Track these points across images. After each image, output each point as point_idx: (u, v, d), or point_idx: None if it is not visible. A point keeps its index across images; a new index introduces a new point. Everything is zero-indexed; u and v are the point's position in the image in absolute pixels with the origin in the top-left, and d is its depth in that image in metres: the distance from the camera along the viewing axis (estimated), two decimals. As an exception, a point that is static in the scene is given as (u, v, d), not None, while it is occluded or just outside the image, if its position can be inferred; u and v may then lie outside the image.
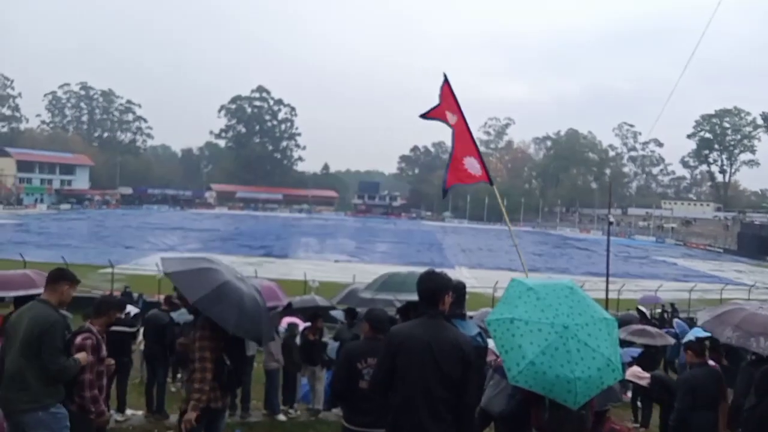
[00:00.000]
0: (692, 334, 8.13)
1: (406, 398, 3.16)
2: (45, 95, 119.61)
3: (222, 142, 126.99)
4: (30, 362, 3.82)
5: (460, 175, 6.36)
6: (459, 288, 3.96)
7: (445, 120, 6.26)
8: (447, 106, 6.24)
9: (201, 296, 4.00)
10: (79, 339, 4.19)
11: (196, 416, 3.99)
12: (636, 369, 7.33)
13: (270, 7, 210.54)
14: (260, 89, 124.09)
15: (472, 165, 6.24)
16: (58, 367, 3.89)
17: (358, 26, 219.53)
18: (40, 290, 5.69)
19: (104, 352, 4.33)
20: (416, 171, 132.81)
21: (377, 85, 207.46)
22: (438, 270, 3.55)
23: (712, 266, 53.50)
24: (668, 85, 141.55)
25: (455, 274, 31.39)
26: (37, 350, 3.83)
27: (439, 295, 3.31)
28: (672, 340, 10.11)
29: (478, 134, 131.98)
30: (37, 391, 3.83)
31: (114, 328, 7.73)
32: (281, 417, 7.84)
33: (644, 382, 7.00)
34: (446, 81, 6.22)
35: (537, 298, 3.25)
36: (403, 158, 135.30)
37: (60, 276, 4.16)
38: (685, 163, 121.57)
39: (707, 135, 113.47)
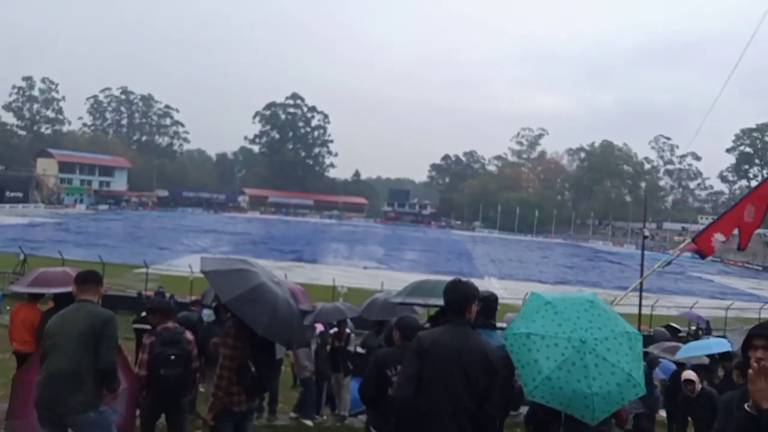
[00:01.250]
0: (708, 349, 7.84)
1: (431, 405, 3.15)
2: (87, 99, 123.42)
3: (256, 148, 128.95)
4: (90, 360, 3.78)
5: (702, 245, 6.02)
6: (489, 299, 3.95)
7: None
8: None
9: (233, 296, 4.02)
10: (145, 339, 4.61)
11: (212, 416, 4.09)
12: (691, 372, 6.97)
13: (305, 18, 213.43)
14: (294, 96, 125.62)
15: (717, 241, 5.89)
16: (115, 363, 3.92)
17: (392, 37, 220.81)
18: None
19: None
20: (447, 180, 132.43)
21: (410, 94, 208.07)
22: (465, 279, 3.56)
23: (751, 284, 51.94)
24: (706, 98, 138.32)
25: (484, 284, 31.19)
26: (96, 346, 3.79)
27: (465, 303, 3.33)
28: (706, 359, 9.82)
29: (510, 144, 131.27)
30: (91, 390, 3.80)
31: (144, 326, 7.93)
32: (308, 422, 7.88)
33: (694, 387, 6.65)
34: None
35: (555, 312, 3.21)
36: (434, 167, 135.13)
37: (97, 279, 4.19)
38: (723, 178, 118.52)
39: (747, 149, 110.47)
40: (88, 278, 4.12)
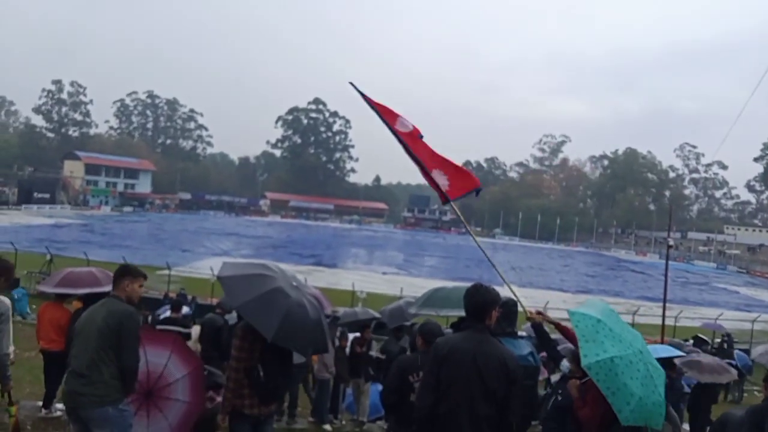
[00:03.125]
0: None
1: (449, 410, 3.16)
2: (114, 102, 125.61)
3: (278, 152, 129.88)
4: (107, 355, 3.77)
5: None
6: (509, 305, 3.91)
7: (390, 122, 4.78)
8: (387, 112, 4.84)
9: (243, 302, 4.03)
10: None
11: (223, 417, 4.20)
12: None
13: (328, 23, 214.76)
14: (316, 101, 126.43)
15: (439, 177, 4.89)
16: (136, 361, 3.90)
17: (413, 42, 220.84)
18: (105, 288, 5.92)
19: None
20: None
21: (431, 99, 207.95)
22: (487, 285, 3.51)
23: (778, 296, 50.73)
24: (733, 106, 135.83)
25: (504, 292, 30.82)
26: (115, 343, 3.78)
27: (486, 309, 3.30)
28: (729, 375, 9.36)
29: (532, 151, 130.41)
30: (109, 385, 3.76)
31: (168, 327, 8.03)
32: (327, 427, 7.90)
33: None
34: (362, 94, 4.80)
35: (610, 329, 3.17)
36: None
37: (123, 272, 4.09)
38: (750, 188, 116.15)
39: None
40: (117, 273, 4.11)
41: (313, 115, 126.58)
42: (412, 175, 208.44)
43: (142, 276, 4.15)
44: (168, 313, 10.47)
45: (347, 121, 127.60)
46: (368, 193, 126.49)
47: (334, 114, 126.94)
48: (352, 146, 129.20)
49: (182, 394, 4.74)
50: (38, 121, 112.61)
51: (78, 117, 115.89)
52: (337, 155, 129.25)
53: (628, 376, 3.00)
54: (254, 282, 4.19)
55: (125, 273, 4.07)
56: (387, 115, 4.71)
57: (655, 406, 2.94)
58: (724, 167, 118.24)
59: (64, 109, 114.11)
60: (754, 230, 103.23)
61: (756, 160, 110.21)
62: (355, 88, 4.36)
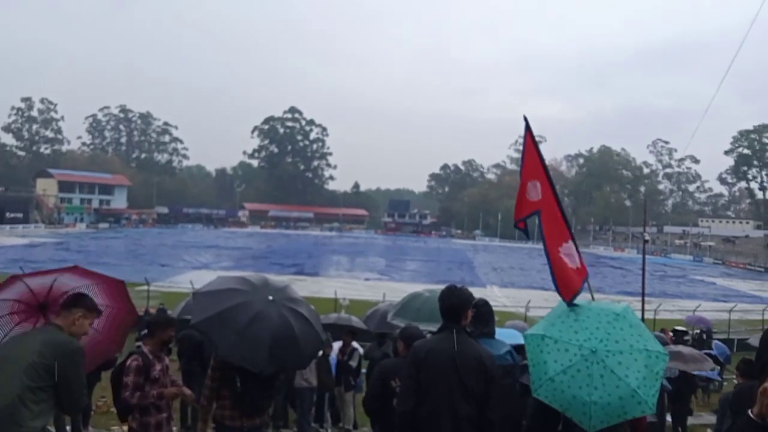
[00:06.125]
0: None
1: (430, 412, 3.20)
2: (86, 118, 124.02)
3: (255, 162, 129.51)
4: (34, 395, 2.99)
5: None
6: (480, 305, 3.93)
7: (533, 210, 3.98)
8: (530, 170, 4.07)
9: (202, 318, 3.97)
10: (128, 360, 4.28)
11: (201, 427, 4.28)
12: None
13: (302, 30, 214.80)
14: (292, 110, 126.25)
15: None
16: (83, 404, 3.27)
17: (388, 47, 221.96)
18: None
19: (155, 373, 4.29)
20: (446, 189, 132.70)
21: (407, 104, 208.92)
22: (461, 285, 3.57)
23: (753, 286, 51.75)
24: (705, 101, 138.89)
25: (487, 293, 31.14)
26: (50, 380, 3.03)
27: (461, 310, 3.39)
28: (708, 366, 9.53)
29: (508, 152, 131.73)
30: (31, 429, 2.98)
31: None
32: (312, 435, 7.86)
33: None
34: (528, 128, 4.10)
35: (575, 320, 3.30)
36: (433, 176, 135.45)
37: (77, 301, 3.42)
38: (722, 180, 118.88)
39: (746, 151, 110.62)
40: (69, 300, 3.45)
41: (290, 124, 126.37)
42: (391, 180, 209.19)
43: (97, 312, 3.55)
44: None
45: (324, 129, 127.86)
46: (348, 200, 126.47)
47: (311, 122, 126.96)
48: (330, 154, 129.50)
49: (98, 323, 4.01)
50: (8, 139, 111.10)
51: (49, 134, 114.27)
52: (315, 163, 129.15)
53: (552, 357, 3.13)
54: (220, 297, 4.12)
55: (79, 303, 3.40)
56: (532, 169, 4.00)
57: (577, 401, 2.99)
58: (696, 161, 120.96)
59: (34, 127, 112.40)
60: (727, 222, 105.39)
61: (726, 153, 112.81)
62: (527, 123, 3.94)
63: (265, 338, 3.95)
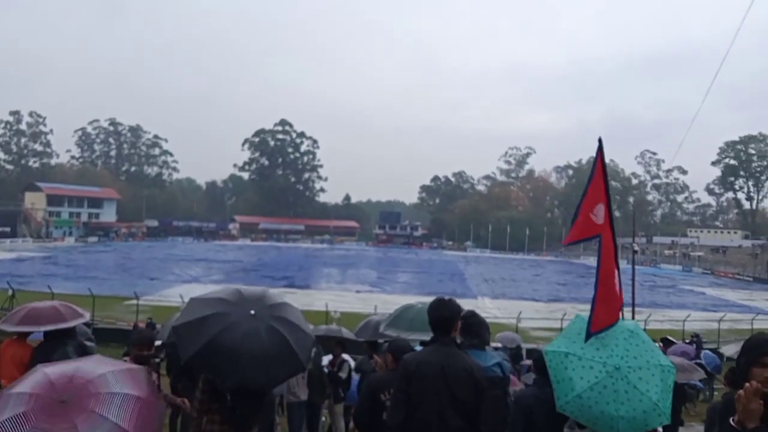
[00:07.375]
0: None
1: (420, 425, 3.20)
2: (75, 131, 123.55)
3: (245, 175, 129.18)
4: None
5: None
6: (467, 317, 3.94)
7: (596, 233, 3.93)
8: (596, 191, 3.92)
9: (192, 354, 3.85)
10: None
11: None
12: None
13: (292, 43, 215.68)
14: (283, 122, 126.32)
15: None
16: None
17: (378, 59, 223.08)
18: (69, 324, 5.76)
19: None
20: (437, 201, 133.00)
21: (398, 116, 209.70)
22: (449, 297, 3.61)
23: (742, 295, 52.18)
24: (690, 112, 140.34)
25: (477, 304, 31.13)
26: None
27: (450, 322, 3.42)
28: (698, 376, 9.60)
29: (498, 163, 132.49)
30: None
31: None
32: (303, 450, 7.80)
33: None
34: (600, 148, 3.84)
35: (596, 337, 3.39)
36: (424, 188, 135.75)
37: None
38: (710, 191, 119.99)
39: (732, 162, 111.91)
40: None
41: (280, 136, 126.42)
42: (382, 192, 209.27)
43: None
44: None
45: (315, 141, 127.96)
46: (338, 212, 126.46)
47: (302, 134, 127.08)
48: (321, 166, 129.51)
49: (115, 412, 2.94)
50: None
51: (38, 148, 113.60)
52: (306, 175, 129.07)
53: (578, 374, 3.22)
54: (201, 327, 3.97)
55: None
56: (599, 190, 3.94)
57: (604, 417, 3.12)
58: (683, 172, 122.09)
59: (23, 140, 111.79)
60: (716, 232, 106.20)
61: (714, 164, 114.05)
62: (600, 144, 3.83)
63: (262, 357, 3.86)
